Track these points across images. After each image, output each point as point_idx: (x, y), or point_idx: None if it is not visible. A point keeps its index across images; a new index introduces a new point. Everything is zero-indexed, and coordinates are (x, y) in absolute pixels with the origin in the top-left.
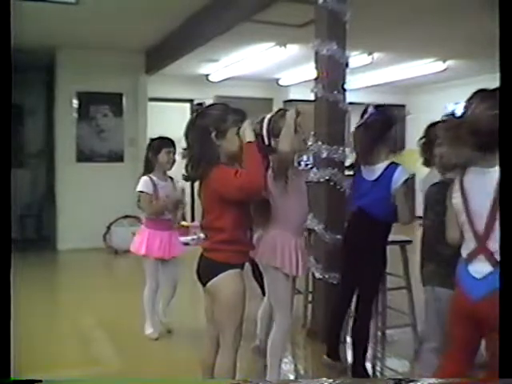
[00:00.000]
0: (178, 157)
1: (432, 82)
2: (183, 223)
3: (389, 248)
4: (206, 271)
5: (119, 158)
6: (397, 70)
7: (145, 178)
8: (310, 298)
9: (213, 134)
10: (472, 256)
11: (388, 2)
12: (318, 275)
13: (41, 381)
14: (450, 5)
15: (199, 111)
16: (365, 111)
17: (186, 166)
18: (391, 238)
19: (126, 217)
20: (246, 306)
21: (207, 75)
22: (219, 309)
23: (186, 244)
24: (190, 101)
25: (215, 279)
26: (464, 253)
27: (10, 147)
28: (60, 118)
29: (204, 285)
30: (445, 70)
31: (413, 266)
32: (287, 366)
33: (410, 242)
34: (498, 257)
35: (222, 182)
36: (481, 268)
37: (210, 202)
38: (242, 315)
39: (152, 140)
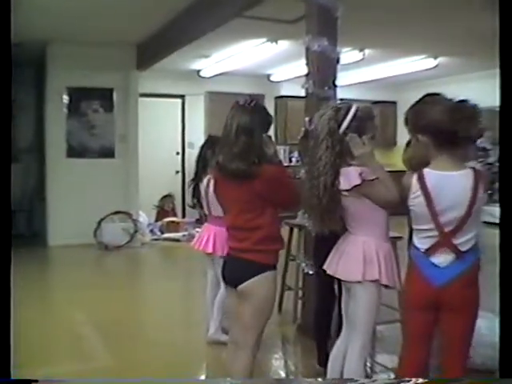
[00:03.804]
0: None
1: (423, 78)
2: (174, 219)
3: None
4: (241, 272)
5: (110, 153)
6: (388, 67)
7: None
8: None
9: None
10: (435, 249)
11: None
12: (308, 271)
13: (37, 381)
14: (442, 2)
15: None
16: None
17: (235, 162)
18: None
19: (117, 213)
20: (272, 310)
21: (198, 71)
22: (249, 311)
23: (177, 240)
24: (181, 96)
25: (251, 281)
26: (423, 246)
27: (10, 151)
28: (50, 114)
29: (235, 286)
30: (436, 66)
31: (403, 262)
32: (277, 362)
33: (400, 238)
34: (461, 247)
35: (278, 183)
36: (444, 258)
37: (253, 201)
38: (268, 319)
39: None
